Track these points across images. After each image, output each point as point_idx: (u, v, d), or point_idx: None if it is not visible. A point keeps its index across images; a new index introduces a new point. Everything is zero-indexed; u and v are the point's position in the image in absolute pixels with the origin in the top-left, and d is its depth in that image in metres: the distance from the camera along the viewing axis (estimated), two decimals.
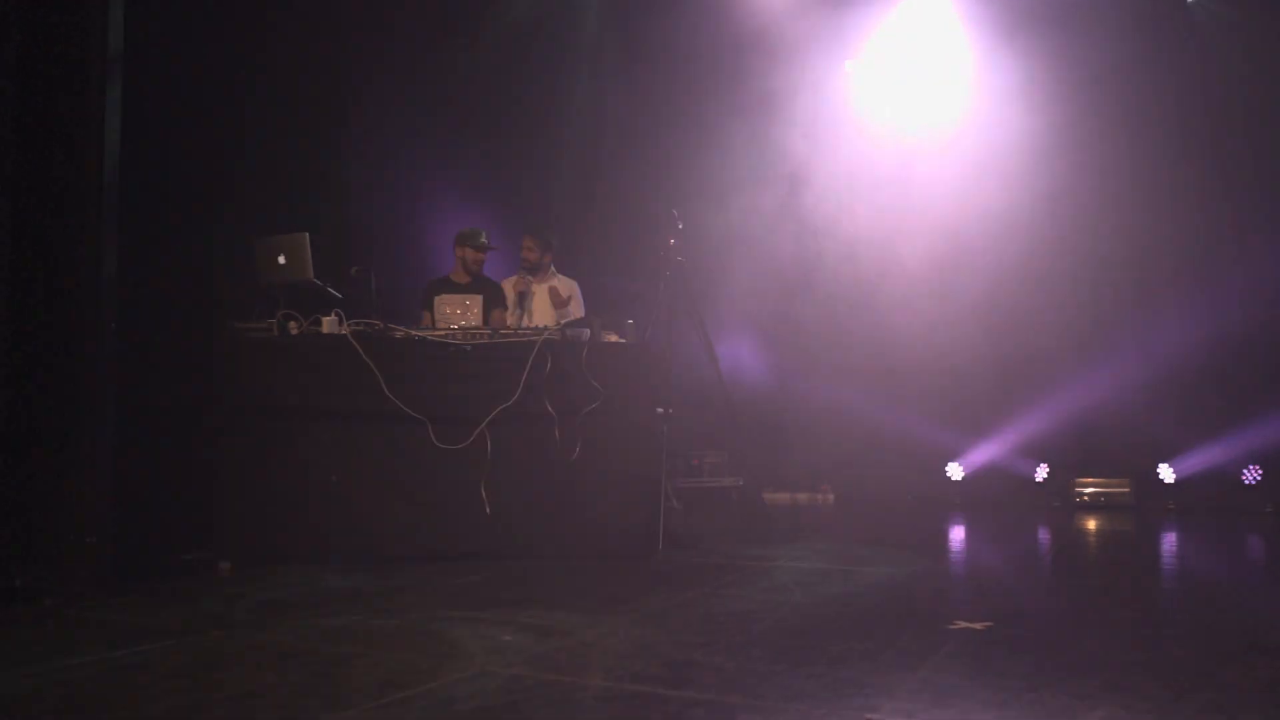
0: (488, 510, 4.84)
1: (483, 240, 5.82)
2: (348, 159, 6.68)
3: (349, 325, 4.83)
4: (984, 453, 8.35)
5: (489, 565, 4.66)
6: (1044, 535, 6.28)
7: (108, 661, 2.91)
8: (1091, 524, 6.80)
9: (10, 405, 3.74)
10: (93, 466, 3.85)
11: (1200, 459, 7.72)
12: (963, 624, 3.27)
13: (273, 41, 5.96)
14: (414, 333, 4.96)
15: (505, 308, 5.85)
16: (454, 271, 5.87)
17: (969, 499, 8.23)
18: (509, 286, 5.98)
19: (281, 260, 4.87)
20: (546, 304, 5.91)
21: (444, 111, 7.69)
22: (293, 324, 4.83)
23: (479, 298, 5.67)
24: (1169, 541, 5.96)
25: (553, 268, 6.06)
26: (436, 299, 5.67)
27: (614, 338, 5.30)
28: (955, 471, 8.37)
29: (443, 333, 4.99)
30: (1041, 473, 8.04)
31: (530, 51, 8.15)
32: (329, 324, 4.82)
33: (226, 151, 5.52)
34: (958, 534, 6.47)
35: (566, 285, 6.02)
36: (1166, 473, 7.79)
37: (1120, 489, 7.81)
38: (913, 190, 8.35)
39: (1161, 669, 2.73)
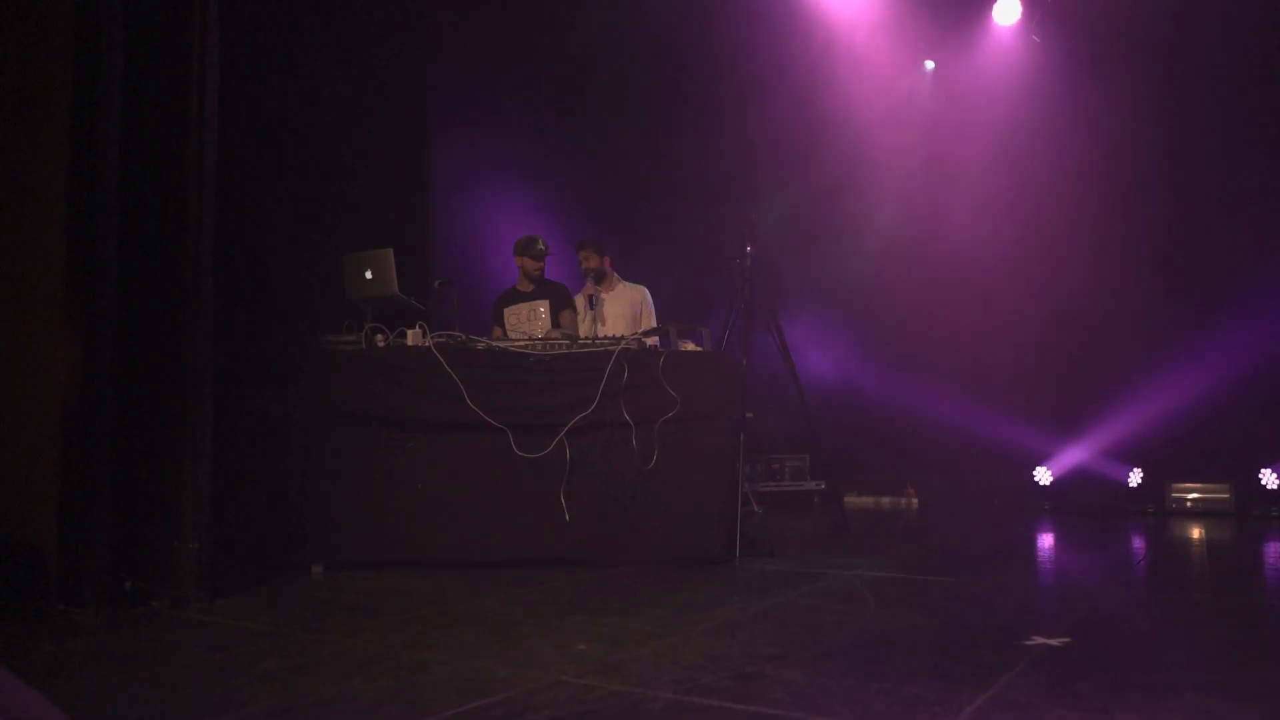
0: (567, 517, 4.94)
1: (539, 247, 5.93)
2: (431, 176, 6.87)
3: (432, 337, 4.99)
4: (1074, 456, 8.15)
5: (568, 571, 4.76)
6: (1135, 544, 6.10)
7: (206, 664, 3.08)
8: (1187, 532, 6.58)
9: (120, 415, 3.96)
10: (195, 474, 4.05)
11: None
12: (1039, 639, 3.23)
13: (359, 59, 6.17)
14: (495, 344, 5.09)
15: (572, 309, 5.96)
16: (519, 281, 6.00)
17: (1058, 504, 8.04)
18: (580, 297, 6.09)
19: (368, 275, 5.05)
20: (618, 311, 6.00)
21: (524, 125, 7.85)
22: (379, 337, 5.01)
23: (545, 302, 5.80)
24: (1271, 553, 5.72)
25: (617, 275, 6.17)
26: (506, 310, 5.80)
27: (690, 346, 5.35)
28: (1044, 476, 8.18)
29: (523, 343, 5.11)
30: (1135, 477, 7.81)
31: (607, 61, 8.24)
32: (413, 336, 4.99)
33: (316, 169, 5.74)
34: (1044, 541, 6.33)
35: (636, 291, 6.11)
36: (1270, 478, 7.49)
37: (1219, 495, 7.53)
38: (996, 184, 8.20)
39: (1248, 693, 2.66)
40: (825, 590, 4.24)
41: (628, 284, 6.16)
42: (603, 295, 6.02)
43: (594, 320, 5.86)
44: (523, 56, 7.71)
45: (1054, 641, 3.20)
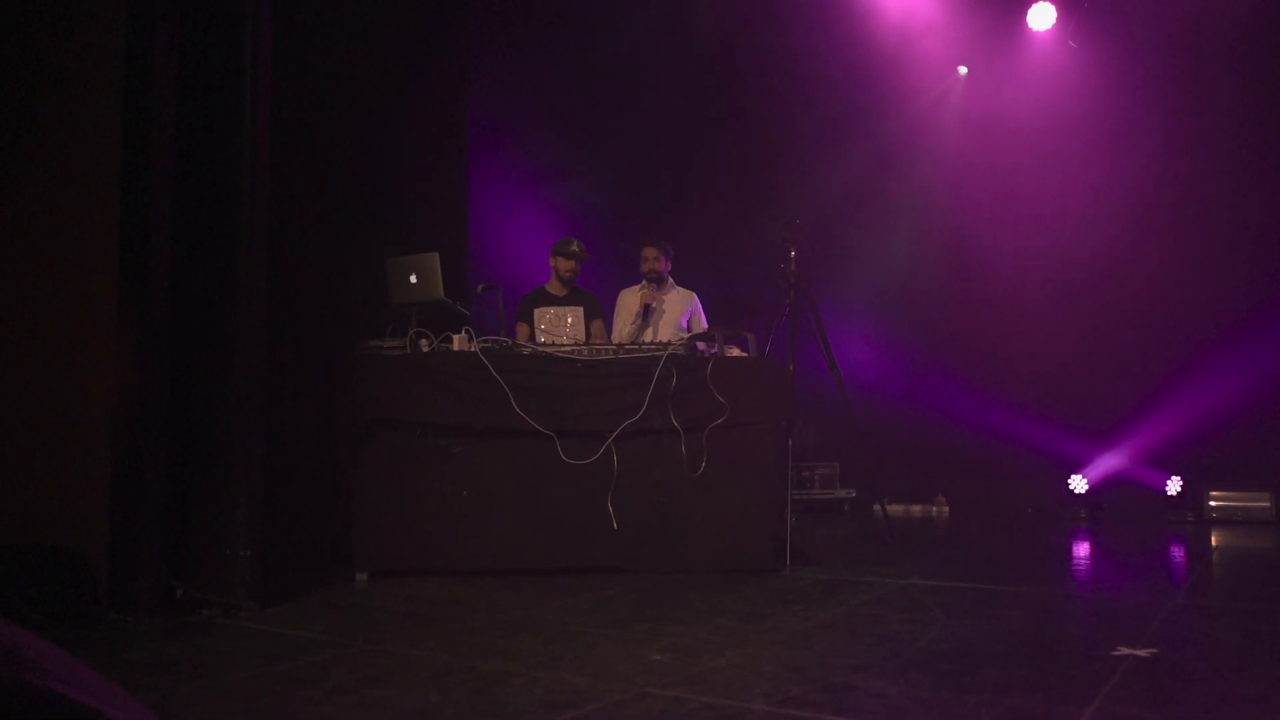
0: (615, 525, 4.86)
1: (574, 249, 5.81)
2: (475, 181, 6.81)
3: (478, 342, 4.92)
4: (1110, 463, 8.06)
5: (617, 580, 4.68)
6: (1182, 553, 6.01)
7: (272, 675, 3.00)
8: (1232, 541, 6.49)
9: (171, 423, 3.90)
10: (247, 481, 3.99)
11: None
12: (1126, 650, 3.14)
13: (399, 65, 6.12)
14: (541, 349, 5.02)
15: (602, 319, 5.86)
16: (551, 283, 5.90)
17: (1094, 512, 7.95)
18: (631, 297, 5.97)
19: (413, 280, 4.99)
20: (669, 317, 5.90)
21: (567, 130, 7.80)
22: (424, 341, 4.94)
23: (579, 310, 5.69)
24: None
25: (671, 280, 6.05)
26: (536, 311, 5.72)
27: (736, 352, 5.28)
28: (1079, 484, 8.08)
29: (570, 348, 5.04)
30: (1174, 485, 7.71)
31: (647, 68, 8.20)
32: (459, 341, 4.92)
33: (358, 173, 5.69)
34: (1088, 550, 6.24)
35: (687, 297, 6.00)
36: None
37: (1260, 503, 7.44)
38: (1031, 189, 8.14)
39: None
40: (885, 600, 4.16)
41: (679, 289, 6.06)
42: (660, 299, 5.91)
43: (645, 327, 5.78)
44: (563, 64, 7.66)
45: (1141, 653, 3.12)
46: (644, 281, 5.89)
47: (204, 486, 4.02)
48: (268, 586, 4.07)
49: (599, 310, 5.91)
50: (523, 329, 5.72)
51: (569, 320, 5.63)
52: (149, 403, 3.82)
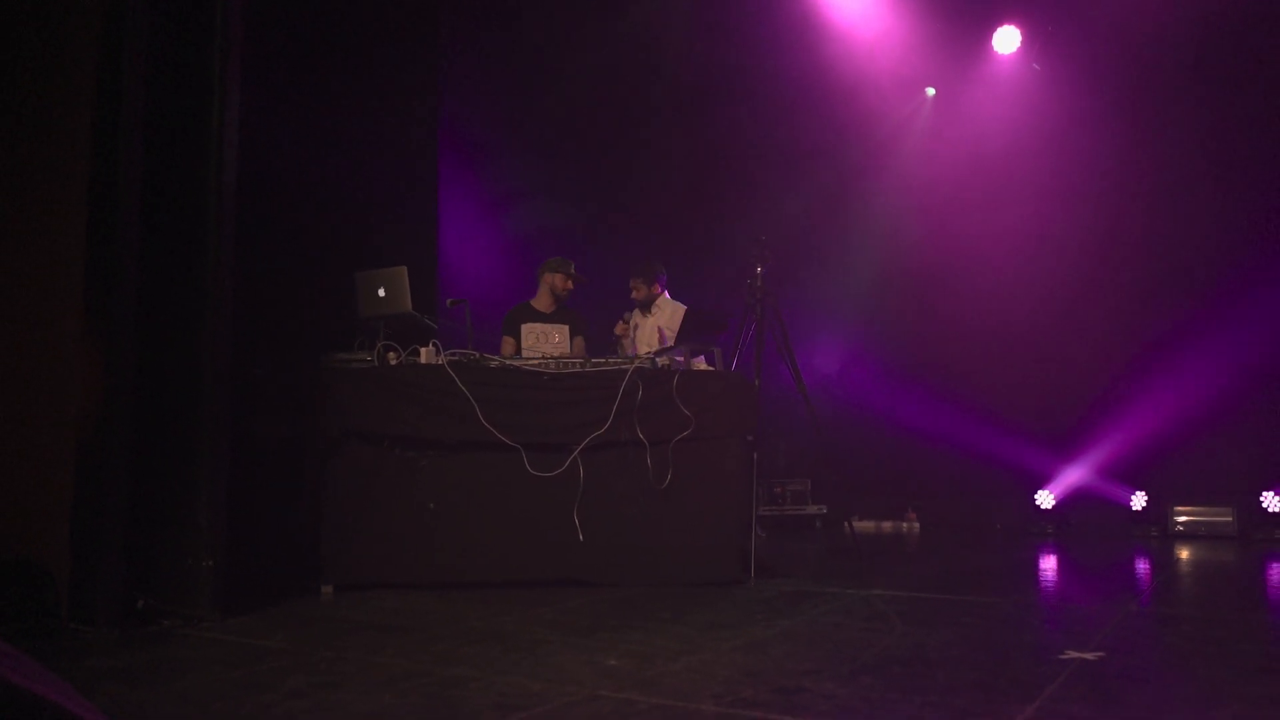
0: (581, 537, 4.89)
1: (573, 270, 5.93)
2: (444, 197, 6.87)
3: (446, 355, 4.95)
4: (1076, 479, 8.16)
5: (582, 592, 4.71)
6: (1145, 566, 6.09)
7: (229, 680, 3.01)
8: (1194, 555, 6.58)
9: (135, 433, 3.91)
10: (211, 492, 3.99)
11: None
12: (1074, 654, 3.20)
13: (370, 76, 6.18)
14: (508, 362, 5.06)
15: (584, 336, 5.94)
16: (538, 299, 5.96)
17: (1060, 528, 8.04)
18: (627, 322, 6.17)
19: (381, 293, 5.02)
20: (644, 334, 6.02)
21: (534, 149, 7.87)
22: (392, 355, 4.97)
23: (565, 327, 5.76)
24: (1278, 575, 5.72)
25: (665, 294, 6.19)
26: (524, 326, 5.77)
27: (703, 365, 5.34)
28: (1045, 499, 8.17)
29: (536, 362, 5.08)
30: (1139, 500, 7.81)
31: (617, 89, 8.29)
32: (427, 354, 4.95)
33: (328, 187, 5.73)
34: (1054, 564, 6.31)
35: (672, 311, 6.08)
36: (1271, 501, 7.51)
37: (1222, 518, 7.55)
38: (997, 207, 8.26)
39: None
40: (847, 609, 4.20)
41: (673, 304, 6.17)
42: (642, 318, 6.08)
43: (631, 345, 5.92)
44: (532, 84, 7.74)
45: (1089, 656, 3.17)
46: (637, 308, 6.10)
47: (167, 497, 4.03)
48: (231, 597, 4.07)
49: (583, 328, 5.98)
50: (509, 343, 5.78)
51: (555, 337, 5.71)
52: (112, 413, 3.83)
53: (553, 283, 5.90)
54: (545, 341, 5.68)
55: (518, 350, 5.59)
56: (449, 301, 5.33)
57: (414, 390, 4.89)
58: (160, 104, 4.11)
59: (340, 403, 4.87)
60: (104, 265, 3.87)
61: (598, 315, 6.29)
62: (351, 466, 4.88)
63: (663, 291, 6.15)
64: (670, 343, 5.66)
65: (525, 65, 7.71)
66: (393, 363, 4.97)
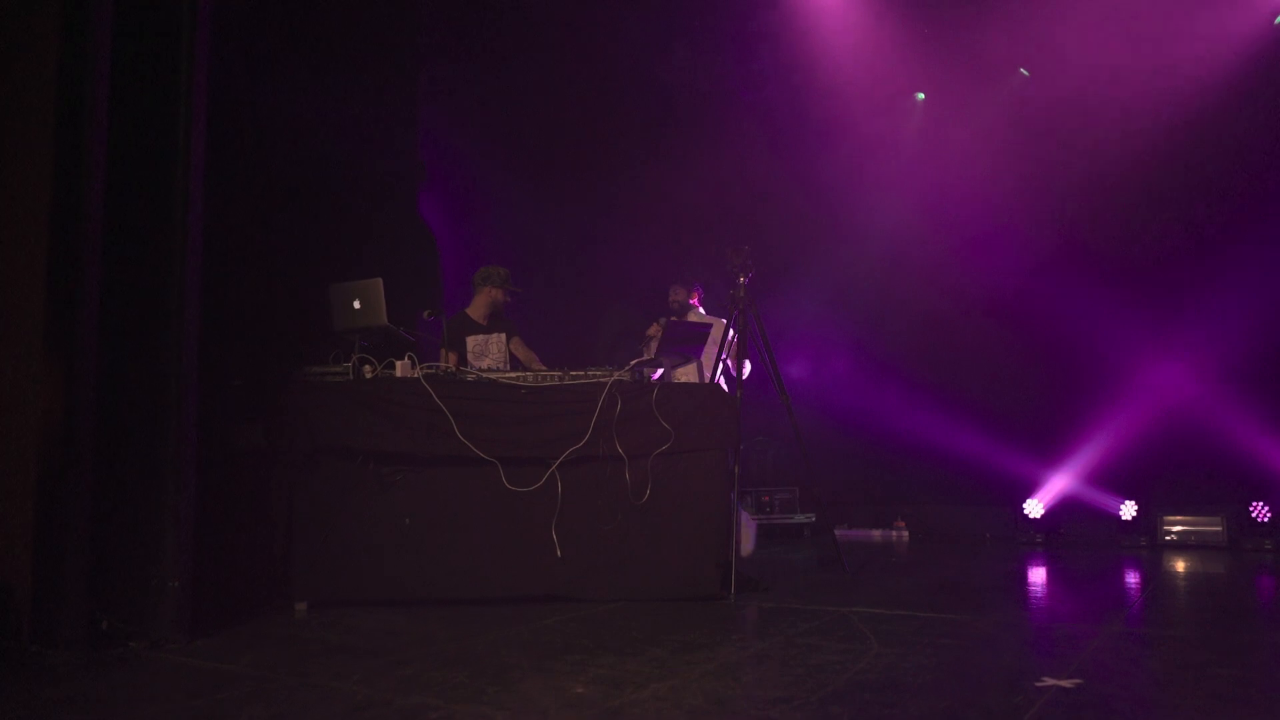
0: (559, 553, 4.83)
1: (511, 285, 6.05)
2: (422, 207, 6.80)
3: (422, 368, 4.89)
4: (1065, 489, 8.10)
5: (560, 609, 4.65)
6: (1133, 580, 6.03)
7: (187, 711, 2.94)
8: (1181, 566, 6.52)
9: (99, 449, 3.84)
10: (177, 510, 3.92)
11: None
12: (1050, 681, 3.14)
13: (346, 88, 6.11)
14: (485, 375, 4.99)
15: (520, 337, 5.97)
16: (474, 308, 6.00)
17: (1050, 538, 7.98)
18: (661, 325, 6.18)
19: (356, 305, 4.96)
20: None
21: (507, 160, 7.80)
22: (367, 368, 4.90)
23: (502, 336, 5.82)
24: (1269, 588, 5.66)
25: (700, 308, 6.36)
26: (469, 339, 5.77)
27: (684, 377, 5.28)
28: (1034, 509, 8.12)
29: (515, 376, 5.01)
30: (1129, 511, 7.75)
31: (593, 99, 8.23)
32: (402, 368, 4.89)
33: (303, 197, 5.66)
34: (1041, 577, 6.25)
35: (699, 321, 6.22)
36: (1260, 511, 7.45)
37: (1212, 527, 7.49)
38: (987, 216, 8.19)
39: None
40: (824, 629, 4.14)
41: (702, 315, 6.22)
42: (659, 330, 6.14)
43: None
44: (509, 93, 7.67)
45: (1065, 684, 3.11)
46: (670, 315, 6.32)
47: (132, 514, 3.95)
48: (198, 617, 4.00)
49: (516, 330, 6.02)
50: (452, 356, 5.73)
51: (495, 348, 5.73)
52: (75, 429, 3.76)
53: (493, 297, 5.92)
54: (485, 354, 5.72)
55: (460, 363, 5.57)
56: (425, 313, 5.27)
57: (389, 404, 4.82)
58: (125, 112, 4.04)
59: (314, 417, 4.80)
60: (66, 276, 3.81)
61: (590, 318, 6.27)
62: (326, 481, 4.81)
63: (698, 305, 6.35)
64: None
65: (503, 77, 7.63)
66: (368, 376, 4.91)
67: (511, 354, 5.90)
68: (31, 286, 3.84)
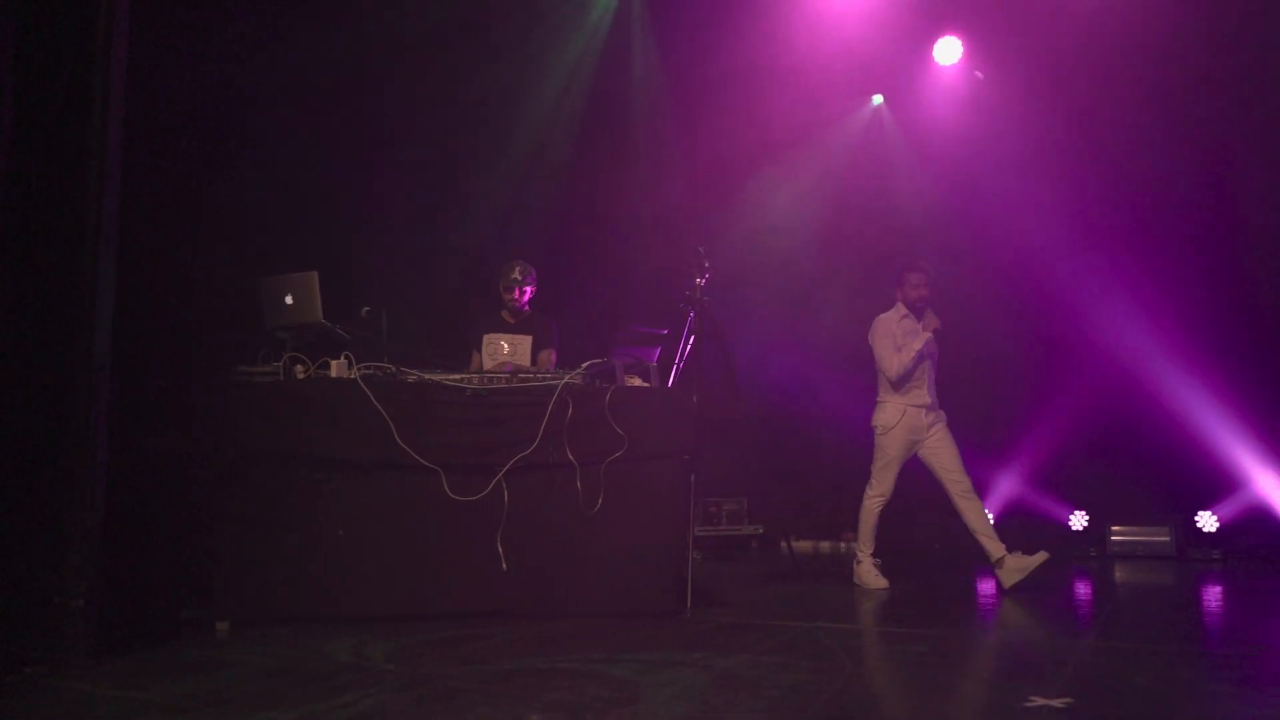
0: (504, 565, 4.53)
1: (514, 276, 5.53)
2: (360, 195, 6.46)
3: (359, 369, 4.56)
4: (1014, 498, 8.01)
5: (508, 625, 4.35)
6: (1090, 591, 5.94)
7: None
8: (1132, 576, 6.46)
9: None
10: (82, 523, 3.54)
11: (1244, 504, 7.38)
12: (1040, 700, 2.95)
13: (277, 75, 5.77)
14: (428, 377, 4.67)
15: (551, 349, 5.56)
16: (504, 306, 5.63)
17: (953, 550, 7.86)
18: (894, 323, 5.77)
19: (288, 301, 4.61)
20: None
21: (459, 149, 7.50)
22: (299, 368, 4.56)
23: (527, 339, 5.42)
24: (1227, 599, 5.60)
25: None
26: (485, 337, 5.41)
27: (638, 382, 5.02)
28: None
29: (459, 377, 4.70)
30: (1079, 520, 7.70)
31: (549, 89, 7.99)
32: (338, 367, 4.55)
33: (230, 183, 5.29)
34: (992, 588, 6.11)
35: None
36: (1207, 520, 7.45)
37: (1160, 538, 7.46)
38: (939, 213, 8.09)
39: None
40: (791, 646, 3.91)
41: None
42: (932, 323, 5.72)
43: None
44: (454, 74, 7.34)
45: (1056, 703, 2.92)
46: (899, 305, 5.78)
47: (33, 527, 3.56)
48: (106, 639, 3.61)
49: (552, 339, 5.58)
50: (476, 359, 5.40)
51: (504, 348, 5.35)
52: None
53: (500, 296, 5.53)
54: (496, 356, 5.34)
55: (481, 367, 5.22)
56: (364, 310, 4.93)
57: (323, 407, 4.48)
58: (32, 92, 3.66)
59: (241, 420, 4.44)
60: None
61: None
62: (252, 489, 4.44)
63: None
64: None
65: (447, 57, 7.29)
66: (300, 376, 4.56)
67: (538, 363, 5.41)
68: None
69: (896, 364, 5.57)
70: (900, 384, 5.64)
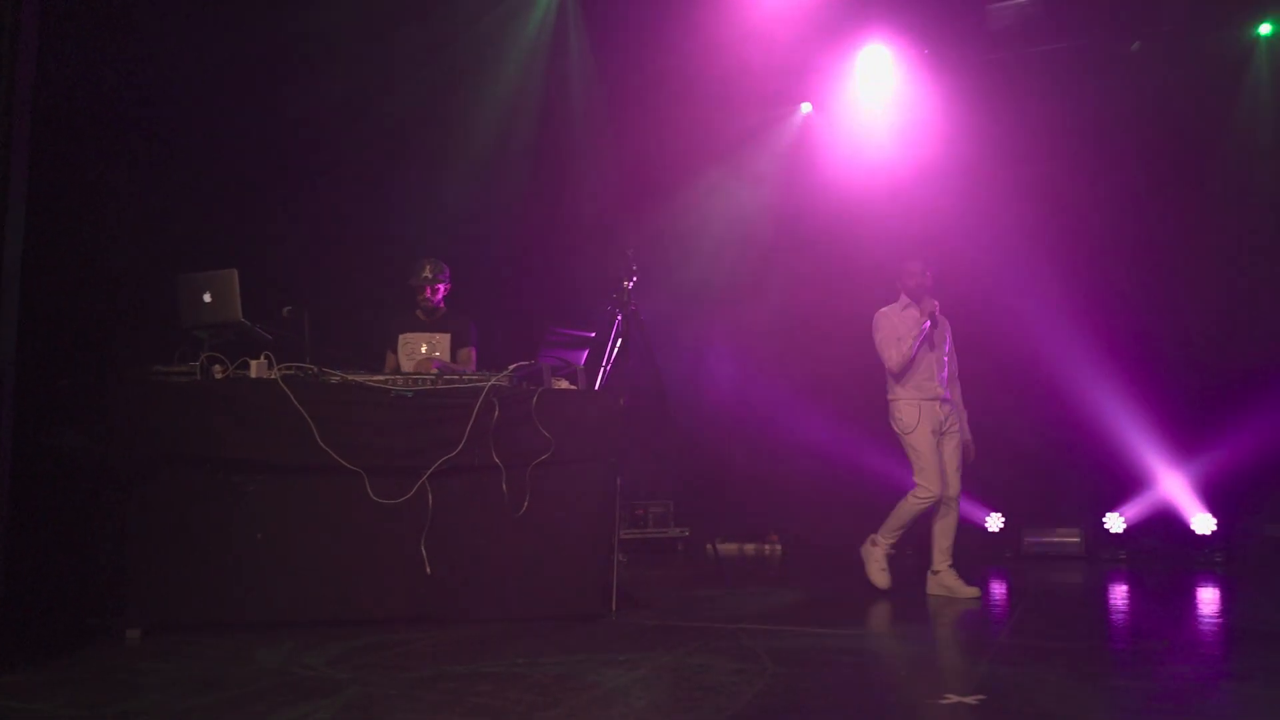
0: (428, 569, 4.48)
1: (425, 274, 5.47)
2: (281, 190, 6.32)
3: (279, 369, 4.46)
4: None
5: (431, 629, 4.29)
6: (1005, 591, 6.09)
7: None
8: (1045, 576, 6.66)
9: None
10: None
11: (1149, 506, 7.66)
12: (954, 698, 3.02)
13: (196, 69, 5.62)
14: (350, 378, 4.59)
15: (472, 345, 5.50)
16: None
17: (918, 550, 8.03)
18: (897, 316, 5.71)
19: (207, 298, 4.50)
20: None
21: (385, 143, 7.38)
22: (217, 367, 4.44)
23: (445, 336, 5.34)
24: (1137, 597, 5.80)
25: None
26: (401, 337, 5.33)
27: (565, 384, 5.01)
28: None
29: (383, 378, 4.64)
30: (995, 522, 7.90)
31: (474, 83, 7.92)
32: (257, 367, 4.45)
33: (147, 178, 5.14)
34: (918, 591, 6.23)
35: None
36: (1115, 522, 7.71)
37: (1071, 539, 7.70)
38: (871, 219, 8.20)
39: None
40: (714, 647, 3.94)
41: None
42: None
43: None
44: (380, 65, 7.23)
45: (969, 700, 2.99)
46: (901, 297, 5.71)
47: None
48: (4, 650, 3.48)
49: (471, 337, 5.51)
50: (391, 360, 5.31)
51: (423, 348, 5.27)
52: None
53: (414, 290, 5.46)
54: (413, 355, 5.26)
55: (398, 366, 5.13)
56: (285, 309, 4.82)
57: (241, 408, 4.38)
58: None
59: (156, 420, 4.30)
60: None
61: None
62: (167, 492, 4.32)
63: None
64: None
65: (371, 46, 7.17)
66: (218, 376, 4.44)
67: (458, 361, 5.33)
68: None
69: (896, 355, 5.54)
70: (901, 375, 5.57)
